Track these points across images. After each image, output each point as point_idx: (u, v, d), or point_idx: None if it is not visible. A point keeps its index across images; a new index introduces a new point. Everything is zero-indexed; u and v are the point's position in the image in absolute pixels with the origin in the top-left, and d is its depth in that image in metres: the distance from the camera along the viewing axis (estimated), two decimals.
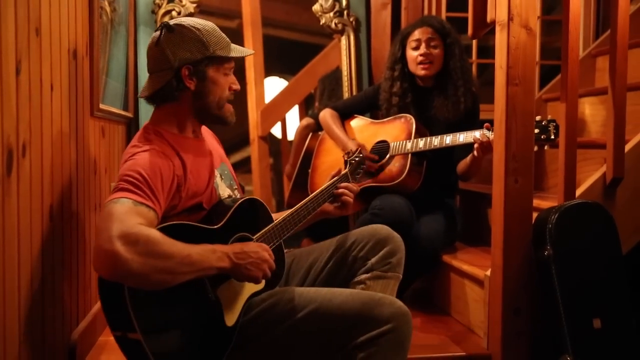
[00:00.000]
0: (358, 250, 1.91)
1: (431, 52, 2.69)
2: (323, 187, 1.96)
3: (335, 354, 1.59)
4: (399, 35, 2.85)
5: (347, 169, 2.09)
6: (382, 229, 1.95)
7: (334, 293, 1.67)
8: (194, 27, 1.66)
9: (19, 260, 1.46)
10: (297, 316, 1.62)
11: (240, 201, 1.73)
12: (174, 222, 1.52)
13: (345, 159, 2.18)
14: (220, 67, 1.71)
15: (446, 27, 2.72)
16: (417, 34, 2.71)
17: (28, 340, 1.52)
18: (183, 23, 1.68)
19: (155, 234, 1.36)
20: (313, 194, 1.92)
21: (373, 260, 1.89)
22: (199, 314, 1.53)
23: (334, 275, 1.92)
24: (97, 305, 2.22)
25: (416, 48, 2.71)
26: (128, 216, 1.36)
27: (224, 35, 1.73)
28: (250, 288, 1.68)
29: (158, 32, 1.68)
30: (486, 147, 2.37)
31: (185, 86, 1.67)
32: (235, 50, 1.74)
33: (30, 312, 1.53)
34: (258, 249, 1.57)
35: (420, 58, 2.70)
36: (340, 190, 1.99)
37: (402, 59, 2.78)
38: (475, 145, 2.40)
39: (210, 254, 1.45)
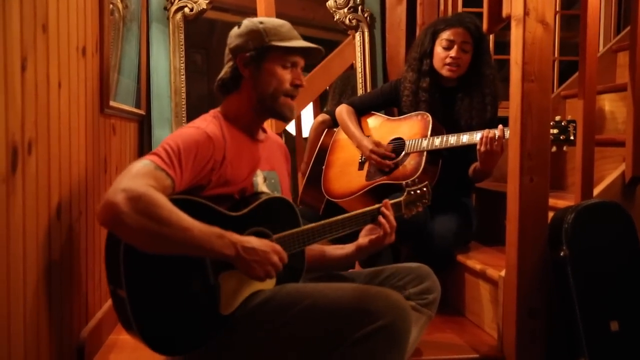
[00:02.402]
0: (397, 280, 1.90)
1: (462, 56, 2.63)
2: (367, 208, 1.87)
3: (332, 352, 1.55)
4: (428, 28, 2.76)
5: (402, 198, 1.98)
6: (424, 266, 1.94)
7: (331, 288, 1.64)
8: (259, 21, 1.77)
9: (25, 259, 1.45)
10: (292, 312, 1.59)
11: (269, 197, 1.73)
12: (190, 197, 1.56)
13: (405, 187, 2.01)
14: (278, 58, 1.76)
15: (480, 30, 2.63)
16: (451, 34, 2.63)
17: (34, 340, 1.51)
18: (253, 19, 1.80)
19: (160, 198, 1.41)
20: (353, 212, 1.85)
21: (411, 290, 1.88)
22: (192, 294, 1.55)
23: None
24: (107, 304, 2.22)
25: (447, 48, 2.64)
26: (142, 176, 1.45)
27: (292, 31, 1.79)
28: (257, 284, 1.66)
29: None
30: (489, 141, 2.33)
31: (241, 74, 1.76)
32: (294, 43, 1.77)
33: (36, 311, 1.52)
34: (268, 250, 1.55)
35: (449, 60, 2.63)
36: (380, 218, 1.86)
37: (431, 53, 2.72)
38: (481, 151, 2.37)
39: (215, 238, 1.47)
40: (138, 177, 1.44)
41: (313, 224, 1.75)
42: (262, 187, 1.78)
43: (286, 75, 1.77)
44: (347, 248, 1.93)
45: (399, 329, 1.53)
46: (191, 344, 1.55)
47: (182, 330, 1.54)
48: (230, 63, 1.78)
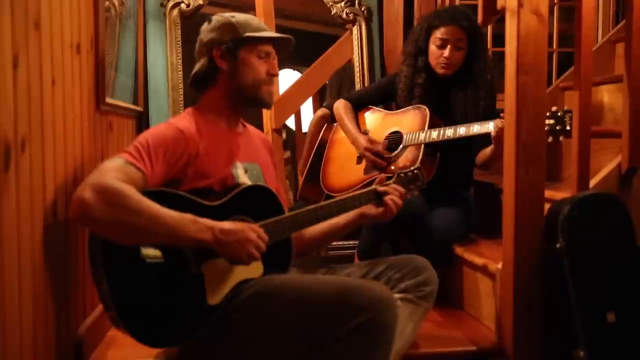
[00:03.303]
0: (394, 272, 1.89)
1: (455, 55, 2.61)
2: (356, 193, 1.88)
3: (317, 348, 1.54)
4: (423, 22, 2.73)
5: (391, 181, 1.97)
6: (420, 258, 1.94)
7: (316, 281, 1.65)
8: (230, 15, 1.83)
9: (19, 256, 1.45)
10: (277, 307, 1.59)
11: (248, 185, 1.73)
12: (165, 189, 1.58)
13: (396, 171, 2.01)
14: (252, 49, 1.81)
15: (475, 26, 2.60)
16: (445, 33, 2.60)
17: (30, 337, 1.52)
18: (223, 14, 1.85)
19: (127, 189, 1.45)
20: (341, 197, 1.85)
21: (408, 283, 1.87)
22: (175, 285, 1.56)
23: None
24: None
25: (441, 47, 2.62)
26: (111, 171, 1.48)
27: (262, 24, 1.85)
28: (243, 272, 1.66)
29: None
30: (501, 136, 2.32)
31: (218, 67, 1.80)
32: (266, 33, 1.82)
33: (32, 308, 1.53)
34: (244, 228, 1.55)
35: (443, 59, 2.62)
36: (383, 189, 1.90)
37: (426, 50, 2.70)
38: (493, 135, 2.35)
39: (189, 224, 1.48)
40: (107, 172, 1.49)
41: (298, 210, 1.75)
42: (244, 178, 1.79)
43: (261, 66, 1.82)
44: (350, 215, 1.92)
45: (382, 323, 1.51)
46: (180, 335, 1.56)
47: (169, 321, 1.55)
48: (205, 57, 1.82)
